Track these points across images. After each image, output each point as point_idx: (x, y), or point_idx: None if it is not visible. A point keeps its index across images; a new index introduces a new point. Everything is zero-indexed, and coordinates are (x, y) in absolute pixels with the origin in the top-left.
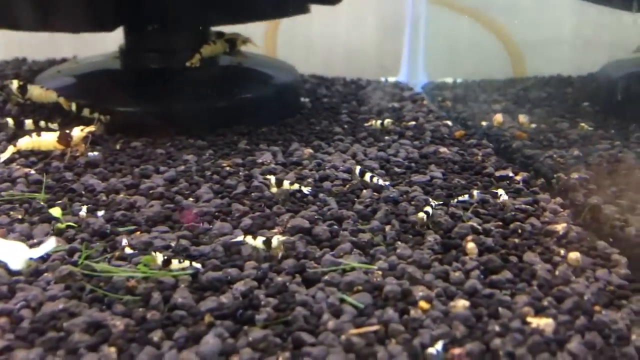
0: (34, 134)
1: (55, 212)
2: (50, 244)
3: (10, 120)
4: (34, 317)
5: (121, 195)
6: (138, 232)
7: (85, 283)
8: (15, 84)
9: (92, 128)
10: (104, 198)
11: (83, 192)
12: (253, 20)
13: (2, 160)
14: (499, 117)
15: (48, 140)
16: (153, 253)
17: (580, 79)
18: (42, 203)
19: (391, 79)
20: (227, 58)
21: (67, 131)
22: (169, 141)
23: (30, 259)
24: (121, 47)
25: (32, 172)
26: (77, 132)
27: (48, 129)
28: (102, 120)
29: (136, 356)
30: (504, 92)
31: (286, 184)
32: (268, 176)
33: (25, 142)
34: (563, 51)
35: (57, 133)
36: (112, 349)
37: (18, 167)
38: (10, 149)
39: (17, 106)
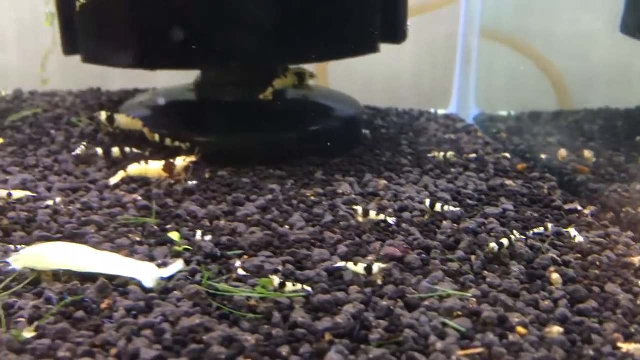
0: (142, 162)
1: (174, 236)
2: (178, 265)
3: (99, 150)
4: (174, 330)
5: (222, 222)
6: (246, 256)
7: (211, 301)
8: (104, 115)
9: (192, 158)
10: (207, 224)
11: (188, 218)
12: (326, 60)
13: (112, 183)
14: (563, 152)
15: (154, 168)
16: (270, 276)
17: (630, 112)
18: (155, 227)
19: (441, 111)
20: (292, 91)
21: (171, 161)
22: (250, 171)
23: (161, 278)
24: (197, 80)
25: (139, 198)
26: (180, 162)
27: (135, 156)
28: (197, 151)
29: None
30: (556, 125)
31: (372, 214)
32: (354, 207)
33: (134, 169)
34: (608, 84)
35: (163, 162)
36: None
37: (123, 193)
38: (121, 174)
39: (107, 135)
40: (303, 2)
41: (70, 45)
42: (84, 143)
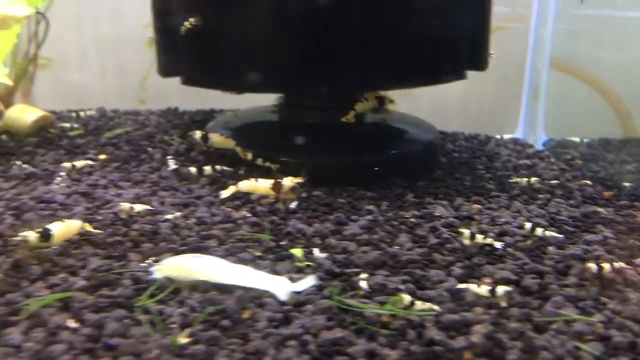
0: (252, 179)
1: (297, 252)
2: (310, 280)
3: (193, 169)
4: (317, 341)
5: (332, 240)
6: (365, 274)
7: (344, 316)
8: (198, 134)
9: (300, 179)
10: (319, 241)
11: (299, 235)
12: (417, 86)
13: (223, 197)
14: None
15: (264, 186)
16: (401, 294)
17: None
18: (271, 243)
19: (506, 136)
20: (370, 114)
21: (279, 180)
22: (342, 192)
23: (293, 292)
24: (280, 102)
25: (248, 214)
26: (287, 182)
27: (231, 174)
28: (304, 173)
29: None
30: (629, 152)
31: (479, 238)
32: (458, 229)
33: (245, 185)
34: None
35: (272, 181)
36: None
37: (230, 209)
38: (232, 189)
39: (201, 154)
40: (399, 31)
41: (168, 68)
42: (175, 160)
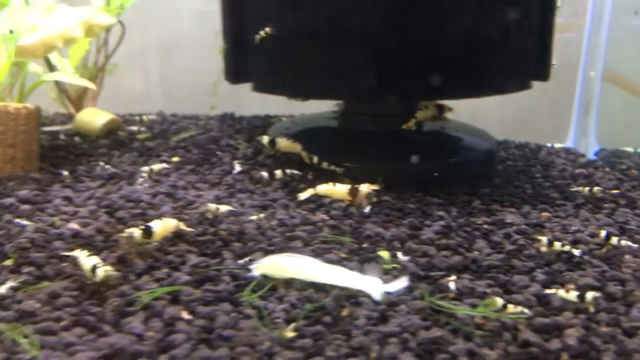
0: (330, 184)
1: (384, 254)
2: (403, 282)
3: (265, 173)
4: (416, 339)
5: (411, 244)
6: (451, 278)
7: (438, 317)
8: (266, 138)
9: (376, 186)
10: (398, 245)
11: (378, 239)
12: (487, 95)
13: (300, 199)
14: None
15: (340, 190)
16: (493, 297)
17: None
18: (354, 245)
19: (557, 144)
20: (428, 122)
21: (356, 186)
22: (410, 197)
23: (386, 292)
24: (341, 108)
25: (326, 217)
26: (364, 188)
27: (300, 178)
28: (380, 180)
29: None
30: None
31: (557, 245)
32: (536, 237)
33: (323, 189)
34: None
35: (349, 186)
36: None
37: (305, 212)
38: (310, 191)
39: (268, 158)
40: (468, 41)
41: (238, 75)
42: (244, 164)
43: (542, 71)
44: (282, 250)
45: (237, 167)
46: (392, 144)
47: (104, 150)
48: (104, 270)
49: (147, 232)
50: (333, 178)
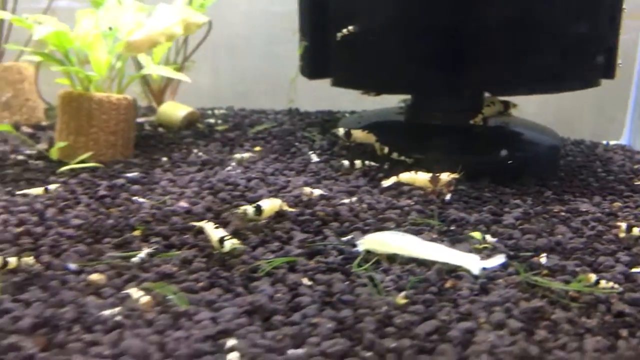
0: (412, 172)
1: (476, 235)
2: (500, 258)
3: (346, 162)
4: (519, 309)
5: (496, 228)
6: (538, 256)
7: (534, 290)
8: (341, 131)
9: (456, 175)
10: (484, 228)
11: (463, 222)
12: (549, 92)
13: (384, 186)
14: None
15: (422, 178)
16: (587, 274)
17: None
18: (443, 228)
19: (612, 142)
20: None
21: (437, 175)
22: (484, 187)
23: (483, 268)
24: (408, 104)
25: (411, 202)
26: (445, 176)
27: (376, 168)
28: (459, 169)
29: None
30: None
31: (636, 231)
32: (615, 223)
33: (406, 176)
34: None
35: (430, 174)
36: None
37: (389, 197)
38: (393, 179)
39: (343, 149)
40: (541, 38)
41: (317, 71)
42: (322, 154)
43: (610, 69)
44: (377, 230)
45: (315, 157)
46: (462, 138)
47: (190, 140)
48: (231, 243)
49: (258, 209)
50: (406, 168)
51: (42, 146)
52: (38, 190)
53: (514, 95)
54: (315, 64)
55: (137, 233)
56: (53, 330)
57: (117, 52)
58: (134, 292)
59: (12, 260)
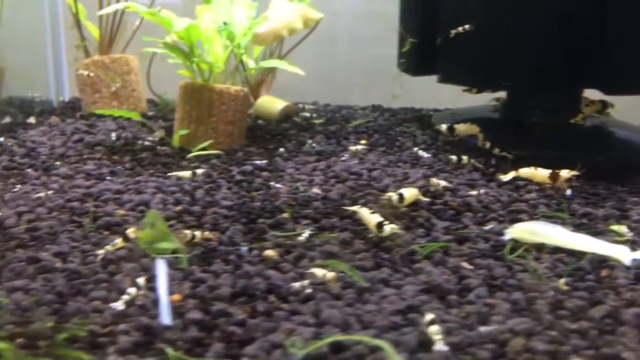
0: (532, 167)
1: (617, 228)
2: None
3: (454, 157)
4: None
5: (628, 222)
6: None
7: None
8: (444, 126)
9: (575, 172)
10: (614, 222)
11: (592, 217)
12: None
13: (504, 180)
14: None
15: (541, 174)
16: None
17: None
18: (576, 221)
19: None
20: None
21: (557, 171)
22: (596, 184)
23: (634, 259)
24: (503, 101)
25: (535, 196)
26: (565, 173)
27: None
28: (579, 166)
29: None
30: None
31: None
32: None
33: (526, 172)
34: None
35: (549, 170)
36: None
37: (510, 191)
38: (512, 173)
39: (446, 144)
40: None
41: (422, 67)
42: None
43: None
44: (512, 221)
45: (422, 152)
46: (564, 136)
47: (294, 132)
48: (390, 227)
49: (401, 197)
50: (505, 163)
51: (159, 134)
52: (187, 174)
53: (630, 95)
54: (421, 61)
55: (285, 215)
56: (251, 299)
57: (234, 46)
58: (315, 269)
59: (198, 234)
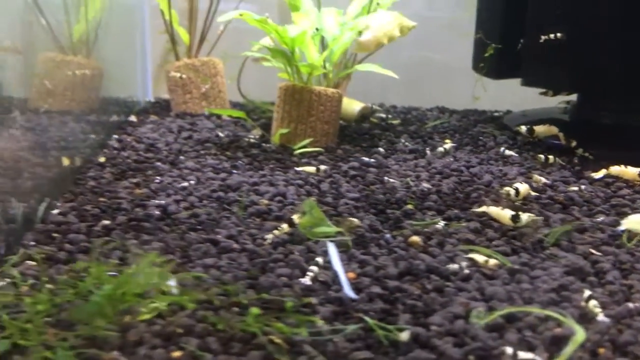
0: (622, 166)
1: None
2: None
3: (541, 156)
4: None
5: None
6: None
7: None
8: (523, 128)
9: None
10: None
11: None
12: None
13: (596, 177)
14: None
15: (631, 172)
16: None
17: None
18: None
19: None
20: None
21: None
22: None
23: None
24: (573, 103)
25: (630, 192)
26: None
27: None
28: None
29: None
30: None
31: None
32: None
33: (616, 169)
34: None
35: (638, 169)
36: None
37: (601, 188)
38: (603, 171)
39: (527, 145)
40: None
41: (505, 71)
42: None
43: None
44: (617, 214)
45: (508, 151)
46: (632, 135)
47: (378, 131)
48: (527, 216)
49: (517, 192)
50: (585, 162)
51: (256, 132)
52: (311, 169)
53: None
54: (503, 64)
55: (410, 206)
56: (415, 277)
57: (329, 51)
58: (473, 255)
59: (356, 222)
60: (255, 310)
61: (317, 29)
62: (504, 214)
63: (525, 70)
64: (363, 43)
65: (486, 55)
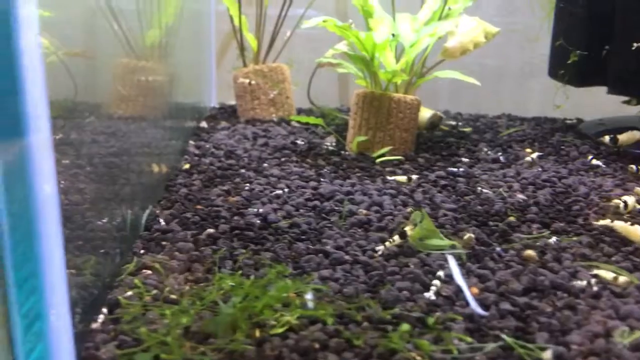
0: None
1: None
2: None
3: (632, 166)
4: None
5: None
6: None
7: None
8: (607, 137)
9: None
10: None
11: None
12: None
13: None
14: None
15: None
16: None
17: None
18: None
19: None
20: None
21: None
22: None
23: None
24: None
25: None
26: None
27: None
28: None
29: None
30: None
31: None
32: None
33: None
34: None
35: None
36: None
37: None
38: None
39: (611, 155)
40: None
41: (588, 78)
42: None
43: None
44: None
45: (594, 161)
46: None
47: (452, 139)
48: None
49: (626, 205)
50: None
51: (331, 139)
52: (402, 178)
53: None
54: (587, 72)
55: (512, 219)
56: (542, 294)
57: (408, 57)
58: (600, 271)
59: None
60: (405, 326)
61: (393, 35)
62: (634, 230)
63: (612, 78)
64: (449, 49)
65: (569, 62)
